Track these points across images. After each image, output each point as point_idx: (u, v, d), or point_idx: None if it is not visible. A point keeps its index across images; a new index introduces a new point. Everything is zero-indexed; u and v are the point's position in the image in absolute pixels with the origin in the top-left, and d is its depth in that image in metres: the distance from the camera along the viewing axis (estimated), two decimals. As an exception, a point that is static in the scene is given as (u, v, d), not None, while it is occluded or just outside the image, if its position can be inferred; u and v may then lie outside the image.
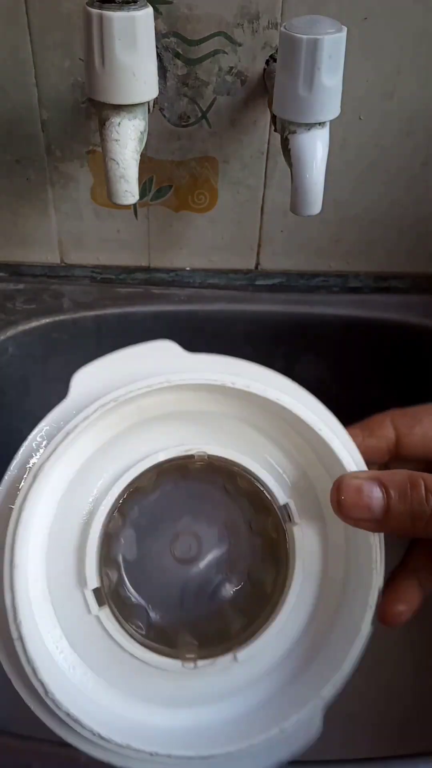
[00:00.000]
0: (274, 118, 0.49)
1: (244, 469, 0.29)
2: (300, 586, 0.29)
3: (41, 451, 0.27)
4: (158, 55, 0.54)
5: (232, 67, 0.55)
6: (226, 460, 0.29)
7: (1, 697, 0.56)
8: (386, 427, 0.34)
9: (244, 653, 0.28)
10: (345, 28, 0.44)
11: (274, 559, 0.29)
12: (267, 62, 0.55)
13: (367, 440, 0.34)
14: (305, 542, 0.29)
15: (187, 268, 0.69)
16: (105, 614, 0.27)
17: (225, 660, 0.28)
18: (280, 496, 0.30)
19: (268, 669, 0.28)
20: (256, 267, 0.69)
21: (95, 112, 0.51)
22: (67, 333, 0.67)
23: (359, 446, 0.32)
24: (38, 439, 0.28)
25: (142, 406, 0.29)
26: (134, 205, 0.62)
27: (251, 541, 0.29)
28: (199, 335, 0.69)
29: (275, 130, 0.50)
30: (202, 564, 0.28)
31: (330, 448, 0.29)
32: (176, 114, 0.58)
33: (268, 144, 0.60)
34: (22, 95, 0.57)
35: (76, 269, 0.69)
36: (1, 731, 0.41)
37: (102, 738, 0.26)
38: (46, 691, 0.26)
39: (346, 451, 0.30)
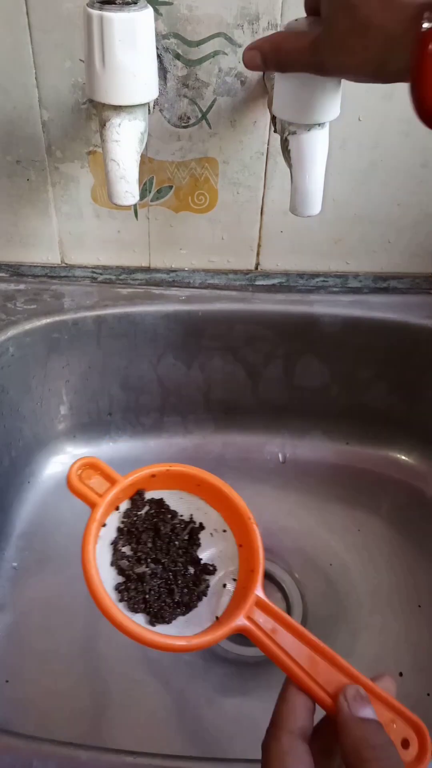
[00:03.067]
0: (273, 118, 0.50)
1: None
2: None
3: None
4: (158, 56, 0.54)
5: (232, 68, 0.55)
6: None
7: (1, 698, 0.56)
8: None
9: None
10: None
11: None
12: (267, 63, 0.55)
13: None
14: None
15: (187, 269, 0.69)
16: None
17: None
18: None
19: None
20: (256, 267, 0.69)
21: (96, 112, 0.51)
22: (68, 333, 0.67)
23: None
24: None
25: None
26: (134, 205, 0.62)
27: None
28: (199, 335, 0.69)
29: (275, 131, 0.50)
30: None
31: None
32: (176, 115, 0.58)
33: (268, 145, 0.60)
34: (23, 96, 0.57)
35: (77, 269, 0.69)
36: (2, 731, 0.41)
37: None
38: None
39: None
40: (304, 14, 0.51)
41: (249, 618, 0.32)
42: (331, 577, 0.65)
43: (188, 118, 0.58)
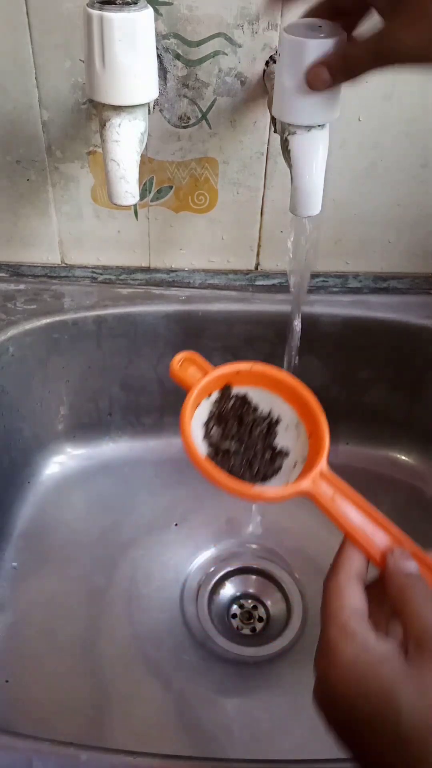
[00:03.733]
0: (273, 119, 0.50)
1: None
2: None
3: None
4: (158, 56, 0.54)
5: (232, 68, 0.55)
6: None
7: (1, 698, 0.56)
8: None
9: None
10: (343, 30, 0.44)
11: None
12: (267, 63, 0.55)
13: None
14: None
15: (187, 269, 0.69)
16: None
17: None
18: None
19: None
20: (256, 267, 0.69)
21: (96, 113, 0.52)
22: (68, 333, 0.67)
23: None
24: None
25: None
26: (134, 205, 0.62)
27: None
28: (199, 335, 0.69)
29: (275, 131, 0.50)
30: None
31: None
32: (176, 115, 0.58)
33: (268, 145, 0.60)
34: (23, 96, 0.57)
35: (77, 269, 0.69)
36: (2, 730, 0.41)
37: None
38: None
39: None
40: (303, 15, 0.51)
41: (314, 484, 0.38)
42: (331, 577, 0.65)
43: (188, 118, 0.58)
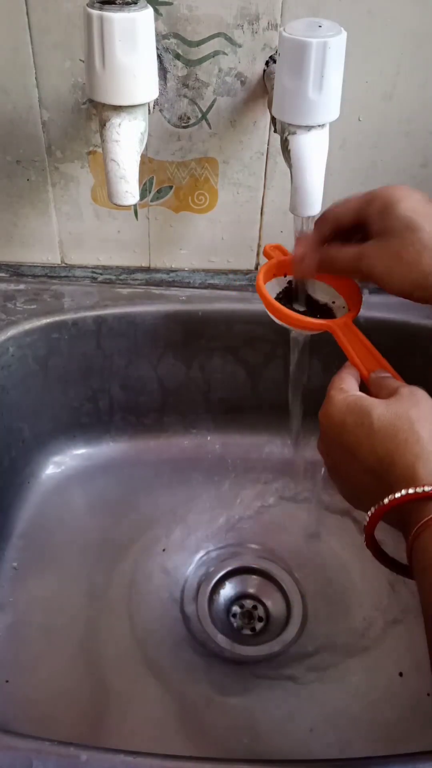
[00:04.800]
0: (273, 119, 0.50)
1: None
2: None
3: None
4: (158, 56, 0.54)
5: (232, 68, 0.55)
6: None
7: (1, 698, 0.56)
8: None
9: None
10: (343, 29, 0.44)
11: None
12: (267, 63, 0.55)
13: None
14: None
15: (187, 269, 0.69)
16: None
17: None
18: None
19: None
20: (256, 267, 0.69)
21: (96, 113, 0.52)
22: (68, 333, 0.67)
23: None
24: None
25: None
26: (134, 205, 0.62)
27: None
28: (199, 335, 0.69)
29: (275, 131, 0.51)
30: None
31: None
32: (176, 115, 0.58)
33: (268, 145, 0.60)
34: (23, 96, 0.57)
35: (77, 269, 0.69)
36: (2, 730, 0.41)
37: None
38: None
39: None
40: (303, 15, 0.51)
41: (337, 325, 0.49)
42: (331, 577, 0.65)
43: (188, 118, 0.58)
